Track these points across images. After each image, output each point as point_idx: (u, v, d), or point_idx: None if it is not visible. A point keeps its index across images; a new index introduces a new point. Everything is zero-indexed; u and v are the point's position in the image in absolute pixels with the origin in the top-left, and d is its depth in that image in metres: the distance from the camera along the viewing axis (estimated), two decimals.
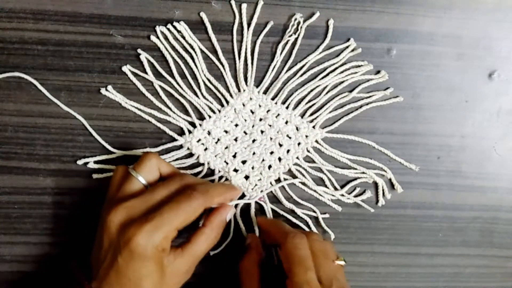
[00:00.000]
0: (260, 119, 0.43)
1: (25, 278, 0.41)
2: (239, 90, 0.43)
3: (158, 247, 0.33)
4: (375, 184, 0.44)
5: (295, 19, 0.42)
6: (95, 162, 0.41)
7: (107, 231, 0.34)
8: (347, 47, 0.43)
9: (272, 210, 0.43)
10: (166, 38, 0.41)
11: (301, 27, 0.42)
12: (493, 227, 0.46)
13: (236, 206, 0.42)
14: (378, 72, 0.43)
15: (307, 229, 0.43)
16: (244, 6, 0.42)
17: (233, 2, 0.42)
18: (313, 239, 0.37)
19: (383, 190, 0.44)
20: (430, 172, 0.44)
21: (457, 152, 0.45)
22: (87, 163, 0.41)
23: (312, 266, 0.34)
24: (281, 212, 0.43)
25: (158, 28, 0.41)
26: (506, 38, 0.44)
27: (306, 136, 0.43)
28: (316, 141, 0.43)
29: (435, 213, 0.45)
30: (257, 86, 0.43)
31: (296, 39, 0.42)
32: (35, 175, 0.41)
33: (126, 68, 0.41)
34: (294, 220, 0.43)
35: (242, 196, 0.42)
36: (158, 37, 0.41)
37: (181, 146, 0.42)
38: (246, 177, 0.42)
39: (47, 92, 0.41)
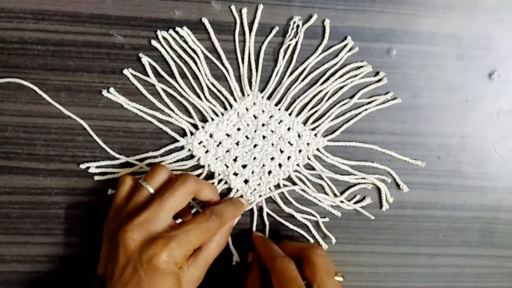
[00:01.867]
0: (263, 125, 0.43)
1: (25, 278, 0.41)
2: (243, 94, 0.43)
3: (178, 264, 0.35)
4: (377, 189, 0.44)
5: (294, 22, 0.42)
6: (97, 167, 0.41)
7: (125, 248, 0.34)
8: (345, 46, 0.43)
9: (271, 215, 0.43)
10: (167, 41, 0.41)
11: (300, 30, 0.42)
12: (493, 227, 0.46)
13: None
14: (377, 73, 0.43)
15: (307, 236, 0.43)
16: (244, 10, 0.42)
17: (233, 7, 0.42)
18: (316, 254, 0.38)
19: (386, 194, 0.44)
20: (430, 172, 0.44)
21: (457, 152, 0.45)
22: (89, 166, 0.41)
23: (303, 284, 0.36)
24: (279, 218, 0.43)
25: (159, 33, 0.41)
26: (506, 38, 0.44)
27: (308, 144, 0.43)
28: (317, 149, 0.43)
29: (435, 213, 0.45)
30: (261, 91, 0.43)
31: (297, 42, 0.42)
32: (35, 175, 0.41)
33: (127, 72, 0.41)
34: (292, 226, 0.43)
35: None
36: (159, 42, 0.41)
37: (182, 148, 0.42)
38: (246, 181, 0.42)
39: (47, 96, 0.41)
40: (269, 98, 0.43)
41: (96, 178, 0.41)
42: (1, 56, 0.41)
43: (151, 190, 0.37)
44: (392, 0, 0.43)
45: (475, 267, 0.46)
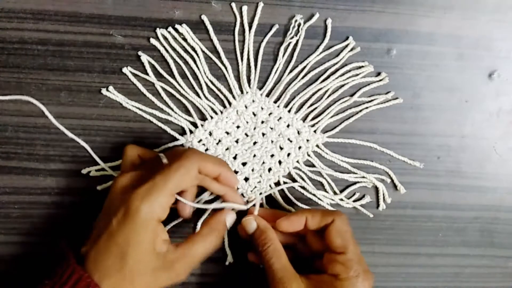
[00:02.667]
0: (262, 122, 0.43)
1: (25, 278, 0.41)
2: (242, 92, 0.43)
3: (153, 213, 0.33)
4: (376, 188, 0.44)
5: (296, 21, 0.42)
6: (97, 170, 0.41)
7: (109, 196, 0.34)
8: (346, 46, 0.43)
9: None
10: (166, 39, 0.41)
11: (301, 29, 0.42)
12: (493, 227, 0.46)
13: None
14: (379, 74, 0.43)
15: None
16: (245, 8, 0.42)
17: (233, 5, 0.42)
18: (344, 222, 0.37)
19: (383, 194, 0.44)
20: (430, 172, 0.44)
21: (457, 152, 0.45)
22: (89, 166, 0.41)
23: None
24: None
25: (158, 31, 0.41)
26: (506, 38, 0.44)
27: (307, 140, 0.43)
28: (317, 146, 0.43)
29: (435, 213, 0.45)
30: (260, 89, 0.43)
31: (297, 40, 0.42)
32: (35, 175, 0.41)
33: (126, 70, 0.41)
34: None
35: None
36: (158, 39, 0.41)
37: (182, 146, 0.42)
38: (246, 179, 0.42)
39: (52, 118, 0.41)
40: (268, 95, 0.43)
41: (99, 187, 0.41)
42: (1, 56, 0.41)
43: (165, 161, 0.36)
44: (392, 0, 0.43)
45: (475, 267, 0.46)
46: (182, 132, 0.42)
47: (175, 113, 0.42)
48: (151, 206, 0.33)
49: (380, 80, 0.43)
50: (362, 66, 0.43)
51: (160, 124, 0.42)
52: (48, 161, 0.41)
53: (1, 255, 0.41)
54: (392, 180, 0.44)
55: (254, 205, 0.40)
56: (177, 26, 0.41)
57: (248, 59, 0.42)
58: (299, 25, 0.42)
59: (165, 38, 0.41)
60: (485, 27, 0.44)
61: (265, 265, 0.36)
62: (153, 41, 0.41)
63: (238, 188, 0.42)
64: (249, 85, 0.43)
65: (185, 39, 0.42)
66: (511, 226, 0.46)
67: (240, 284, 0.42)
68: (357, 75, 0.43)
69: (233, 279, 0.43)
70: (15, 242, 0.41)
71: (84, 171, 0.41)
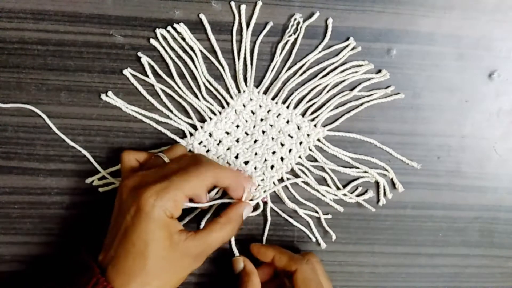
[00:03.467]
0: (261, 119, 0.43)
1: (25, 278, 0.41)
2: (239, 91, 0.43)
3: (166, 210, 0.33)
4: (376, 184, 0.44)
5: (295, 19, 0.42)
6: (99, 179, 0.41)
7: (119, 197, 0.34)
8: (347, 46, 0.43)
9: (274, 211, 0.43)
10: (166, 40, 0.41)
11: (300, 27, 0.42)
12: (493, 227, 0.46)
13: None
14: (379, 71, 0.43)
15: (309, 233, 0.43)
16: (243, 7, 0.42)
17: (232, 3, 0.42)
18: (309, 270, 0.37)
19: (384, 189, 0.44)
20: (430, 172, 0.44)
21: (457, 152, 0.45)
22: (89, 166, 0.41)
23: None
24: (283, 214, 0.43)
25: (158, 31, 0.41)
26: (506, 38, 0.44)
27: (308, 135, 0.43)
28: (318, 140, 0.43)
29: (435, 213, 0.45)
30: (257, 87, 0.43)
31: (296, 39, 0.42)
32: (35, 175, 0.41)
33: (126, 72, 0.41)
34: (294, 223, 0.43)
35: None
36: (158, 40, 0.41)
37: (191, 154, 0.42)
38: None
39: (56, 129, 0.41)
40: (265, 92, 0.43)
41: (101, 190, 0.41)
42: (1, 56, 0.41)
43: (167, 160, 0.37)
44: (392, 0, 0.43)
45: (475, 267, 0.46)
46: (182, 134, 0.42)
47: (175, 115, 0.42)
48: (166, 203, 0.33)
49: (381, 76, 0.43)
50: (362, 65, 0.43)
51: (160, 128, 0.42)
52: (48, 161, 0.41)
53: (1, 255, 0.41)
54: (392, 179, 0.44)
55: (264, 202, 0.41)
56: (175, 25, 0.41)
57: (245, 57, 0.42)
58: (298, 24, 0.42)
59: (165, 38, 0.41)
60: (485, 27, 0.44)
61: None
62: (153, 41, 0.41)
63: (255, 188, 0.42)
64: (246, 84, 0.42)
65: (184, 39, 0.42)
66: (511, 226, 0.46)
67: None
68: (356, 72, 0.43)
69: (232, 279, 0.43)
70: (15, 242, 0.41)
71: (87, 181, 0.41)
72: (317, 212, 0.43)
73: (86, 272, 0.33)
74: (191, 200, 0.36)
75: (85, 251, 0.35)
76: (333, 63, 0.43)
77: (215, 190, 0.41)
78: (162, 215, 0.33)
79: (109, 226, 0.36)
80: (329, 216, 0.43)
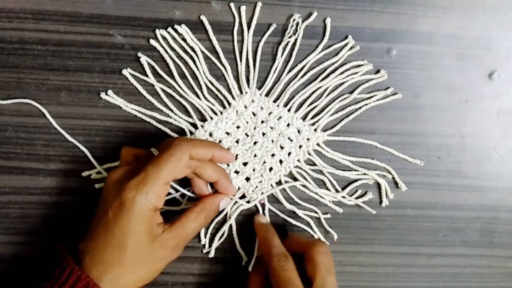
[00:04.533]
0: (262, 121, 0.43)
1: (24, 278, 0.41)
2: (241, 92, 0.43)
3: (148, 203, 0.33)
4: (378, 185, 0.44)
5: (294, 20, 0.42)
6: (98, 173, 0.41)
7: (103, 192, 0.34)
8: (345, 45, 0.43)
9: (273, 211, 0.43)
10: (166, 40, 0.41)
11: (300, 28, 0.42)
12: (493, 227, 0.46)
13: (236, 207, 0.42)
14: (378, 71, 0.43)
15: (310, 231, 0.43)
16: (243, 8, 0.42)
17: (232, 4, 0.42)
18: (318, 252, 0.37)
19: (386, 190, 0.44)
20: (430, 172, 0.44)
21: (457, 152, 0.45)
22: (89, 166, 0.41)
23: (300, 285, 0.35)
24: (281, 215, 0.43)
25: (158, 32, 0.41)
26: (506, 38, 0.44)
27: (308, 139, 0.43)
28: (318, 144, 0.43)
29: (435, 213, 0.45)
30: (259, 88, 0.43)
31: (296, 39, 0.42)
32: (35, 175, 0.41)
33: (126, 72, 0.41)
34: (294, 222, 0.43)
35: (242, 197, 0.42)
36: (158, 40, 0.41)
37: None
38: (247, 179, 0.42)
39: (54, 121, 0.41)
40: (267, 95, 0.43)
41: (97, 186, 0.41)
42: (1, 56, 0.41)
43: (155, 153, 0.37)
44: (392, 0, 0.43)
45: (475, 267, 0.46)
46: (182, 133, 0.42)
47: (175, 114, 0.42)
48: (146, 196, 0.33)
49: (379, 77, 0.43)
50: (361, 65, 0.43)
51: (160, 126, 0.42)
52: (48, 161, 0.41)
53: (1, 255, 0.41)
54: (393, 178, 0.44)
55: (262, 206, 0.41)
56: (176, 26, 0.41)
57: (247, 59, 0.42)
58: (297, 24, 0.42)
59: (165, 39, 0.41)
60: (485, 27, 0.44)
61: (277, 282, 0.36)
62: (152, 42, 0.41)
63: (239, 190, 0.42)
64: (248, 85, 0.43)
65: (184, 40, 0.42)
66: (511, 226, 0.46)
67: (239, 284, 0.42)
68: (356, 73, 0.43)
69: (232, 279, 0.43)
70: (15, 242, 0.41)
71: (84, 174, 0.41)
72: (316, 212, 0.43)
73: (61, 263, 0.33)
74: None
75: (63, 244, 0.35)
76: (333, 63, 0.43)
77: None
78: (144, 209, 0.33)
79: (93, 217, 0.36)
80: (329, 216, 0.43)
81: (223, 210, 0.41)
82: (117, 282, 0.33)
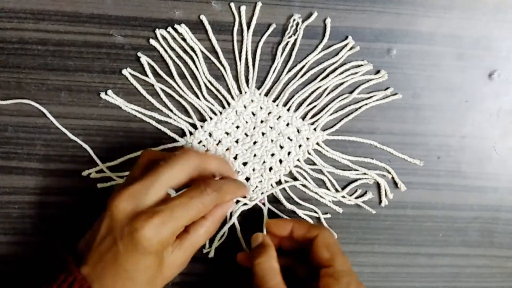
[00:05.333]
0: (261, 121, 0.43)
1: (25, 278, 0.41)
2: (240, 92, 0.43)
3: (164, 242, 0.32)
4: (377, 185, 0.44)
5: (294, 20, 0.42)
6: (97, 172, 0.41)
7: (110, 217, 0.32)
8: (345, 45, 0.43)
9: (273, 211, 0.43)
10: (166, 40, 0.41)
11: (300, 28, 0.42)
12: (493, 227, 0.46)
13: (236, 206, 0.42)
14: (378, 72, 0.43)
15: None
16: (243, 8, 0.42)
17: (232, 4, 0.42)
18: (331, 236, 0.37)
19: (385, 190, 0.44)
20: (430, 172, 0.44)
21: (457, 152, 0.45)
22: (89, 166, 0.41)
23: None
24: (281, 215, 0.43)
25: (158, 32, 0.41)
26: (506, 38, 0.44)
27: (307, 139, 0.43)
28: (317, 143, 0.43)
29: (435, 213, 0.45)
30: (258, 88, 0.43)
31: (296, 39, 0.42)
32: (35, 175, 0.41)
33: (126, 72, 0.41)
34: None
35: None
36: (158, 40, 0.41)
37: (182, 148, 0.42)
38: (247, 179, 0.42)
39: (55, 120, 0.41)
40: (266, 94, 0.43)
41: (100, 185, 0.41)
42: (1, 56, 0.41)
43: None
44: (392, 0, 0.43)
45: (475, 267, 0.46)
46: (182, 133, 0.42)
47: (175, 114, 0.42)
48: (165, 238, 0.32)
49: (380, 77, 0.43)
50: (361, 65, 0.43)
51: (160, 126, 0.42)
52: (48, 161, 0.41)
53: (1, 255, 0.41)
54: (393, 177, 0.44)
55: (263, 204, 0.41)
56: (176, 26, 0.41)
57: (246, 59, 0.42)
58: (297, 24, 0.42)
59: (165, 39, 0.42)
60: (485, 27, 0.44)
61: (257, 280, 0.35)
62: (152, 42, 0.41)
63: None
64: (248, 85, 0.43)
65: (184, 39, 0.42)
66: (511, 226, 0.46)
67: (239, 284, 0.42)
68: (356, 73, 0.43)
69: (232, 279, 0.43)
70: (15, 242, 0.41)
71: (84, 173, 0.41)
72: (316, 212, 0.43)
73: (74, 284, 0.32)
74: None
75: (69, 255, 0.34)
76: (333, 63, 0.43)
77: None
78: (159, 247, 0.32)
79: (90, 237, 0.34)
80: (328, 216, 0.43)
81: None
82: None
